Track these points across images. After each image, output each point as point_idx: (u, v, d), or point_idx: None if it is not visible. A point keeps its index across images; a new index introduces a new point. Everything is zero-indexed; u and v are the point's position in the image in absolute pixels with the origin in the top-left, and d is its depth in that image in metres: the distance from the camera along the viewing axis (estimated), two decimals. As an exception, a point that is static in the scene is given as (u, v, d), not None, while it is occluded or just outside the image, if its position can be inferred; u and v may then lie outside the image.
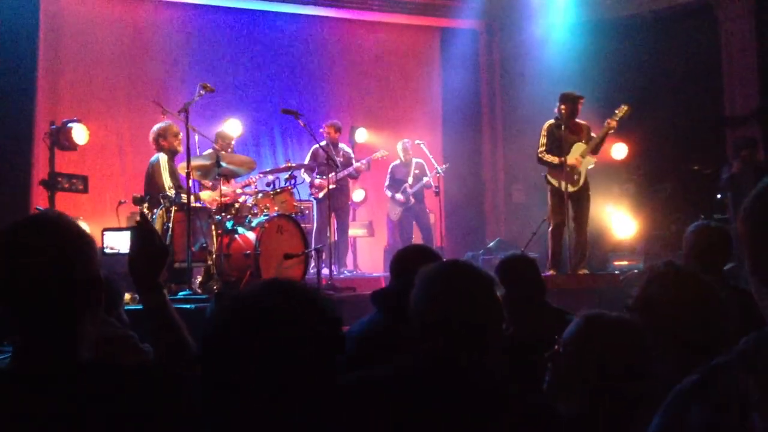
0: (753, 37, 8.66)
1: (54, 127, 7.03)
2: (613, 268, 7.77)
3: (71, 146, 7.00)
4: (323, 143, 7.62)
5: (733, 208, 7.10)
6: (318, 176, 8.04)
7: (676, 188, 8.22)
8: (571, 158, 6.65)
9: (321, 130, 8.20)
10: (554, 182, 6.76)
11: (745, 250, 1.14)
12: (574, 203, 6.74)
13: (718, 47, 8.96)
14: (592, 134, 6.78)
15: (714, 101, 8.91)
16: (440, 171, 8.26)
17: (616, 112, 6.70)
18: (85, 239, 1.41)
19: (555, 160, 6.70)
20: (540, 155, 6.83)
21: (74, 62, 8.61)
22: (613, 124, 6.62)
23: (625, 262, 7.88)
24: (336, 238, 8.12)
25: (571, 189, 6.65)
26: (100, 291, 1.40)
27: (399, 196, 8.68)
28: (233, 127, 7.95)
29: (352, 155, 8.37)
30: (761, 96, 8.57)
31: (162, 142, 6.30)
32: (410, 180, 8.68)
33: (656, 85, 8.95)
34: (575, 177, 6.68)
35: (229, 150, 7.04)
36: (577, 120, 6.82)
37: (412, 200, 8.67)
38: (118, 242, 5.90)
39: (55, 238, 1.36)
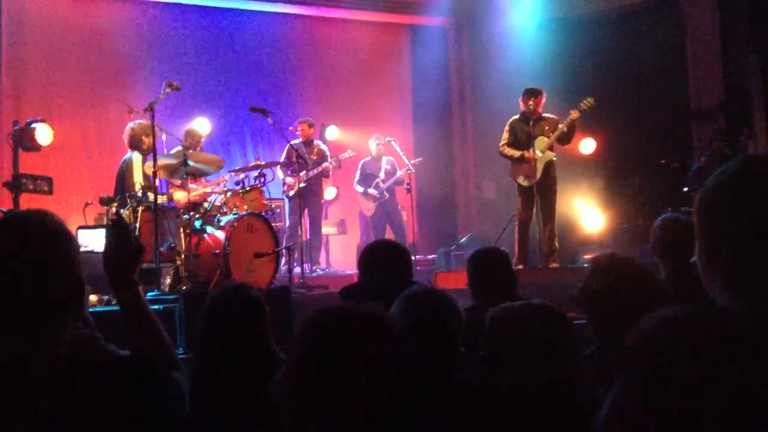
0: (717, 31, 8.79)
1: (17, 127, 6.89)
2: (582, 262, 7.84)
3: (35, 147, 6.87)
4: (295, 142, 7.63)
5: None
6: (288, 175, 8.00)
7: (643, 182, 8.32)
8: (531, 152, 6.76)
9: (292, 128, 8.16)
10: (515, 176, 6.90)
11: (697, 236, 1.16)
12: (540, 198, 6.83)
13: (683, 42, 9.08)
14: (560, 127, 6.85)
15: (679, 95, 9.03)
16: (411, 167, 8.26)
17: (581, 103, 6.79)
18: (69, 239, 1.41)
19: (515, 153, 6.85)
20: (501, 149, 6.99)
21: (37, 61, 8.46)
22: (575, 114, 6.71)
23: (594, 256, 7.95)
24: (308, 237, 8.08)
25: (527, 183, 6.80)
26: (82, 292, 1.40)
27: (372, 190, 8.66)
28: (202, 125, 7.87)
29: (328, 152, 8.32)
30: (725, 90, 8.71)
31: (145, 139, 6.21)
32: (382, 175, 8.66)
33: (623, 80, 9.05)
34: (533, 170, 6.77)
35: (198, 148, 6.96)
36: (545, 114, 6.92)
37: (386, 195, 8.66)
38: (92, 241, 5.83)
39: (39, 238, 1.35)
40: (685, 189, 7.69)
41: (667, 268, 3.27)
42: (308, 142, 8.01)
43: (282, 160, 8.00)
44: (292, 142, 7.40)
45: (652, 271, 2.06)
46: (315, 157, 8.00)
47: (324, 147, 8.36)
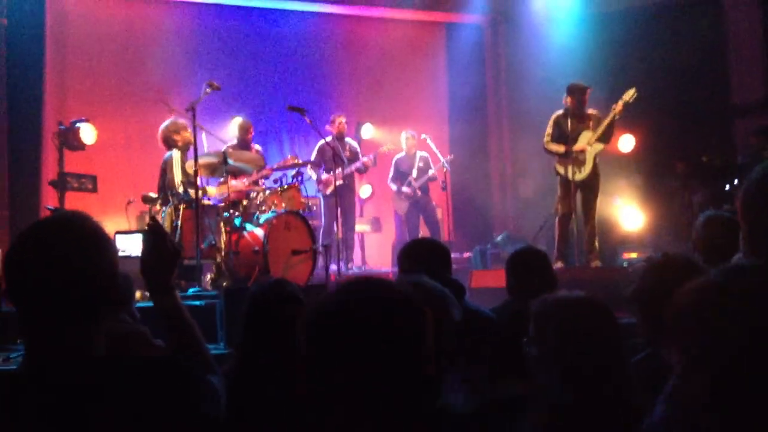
0: (759, 25, 8.61)
1: (62, 127, 7.05)
2: (621, 261, 7.75)
3: (80, 146, 7.01)
4: (329, 138, 7.64)
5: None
6: (324, 172, 8.06)
7: (685, 180, 8.16)
8: (578, 145, 6.69)
9: (328, 126, 8.19)
10: (561, 170, 6.82)
11: (741, 226, 1.18)
12: (583, 193, 6.77)
13: (724, 36, 8.91)
14: (606, 120, 6.78)
15: (720, 91, 8.87)
16: (446, 165, 8.24)
17: (623, 96, 6.71)
18: (106, 239, 1.44)
19: (560, 149, 6.77)
20: (545, 144, 6.91)
21: (81, 62, 8.66)
22: (619, 108, 6.64)
23: (634, 255, 7.86)
24: (342, 235, 8.13)
25: (578, 177, 6.71)
26: (118, 291, 1.43)
27: (405, 188, 8.66)
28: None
29: (359, 149, 8.38)
30: (767, 85, 8.53)
31: (176, 137, 6.33)
32: (414, 173, 8.66)
33: (662, 77, 8.90)
34: (582, 164, 6.69)
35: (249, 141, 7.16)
36: (587, 111, 6.85)
37: (419, 193, 8.66)
38: (129, 245, 5.95)
39: (77, 238, 1.38)
40: (727, 187, 7.54)
41: (710, 267, 3.23)
42: (341, 138, 8.05)
43: (314, 158, 8.05)
44: (327, 139, 7.44)
45: (707, 268, 2.01)
46: (348, 154, 8.04)
47: (355, 144, 8.40)
